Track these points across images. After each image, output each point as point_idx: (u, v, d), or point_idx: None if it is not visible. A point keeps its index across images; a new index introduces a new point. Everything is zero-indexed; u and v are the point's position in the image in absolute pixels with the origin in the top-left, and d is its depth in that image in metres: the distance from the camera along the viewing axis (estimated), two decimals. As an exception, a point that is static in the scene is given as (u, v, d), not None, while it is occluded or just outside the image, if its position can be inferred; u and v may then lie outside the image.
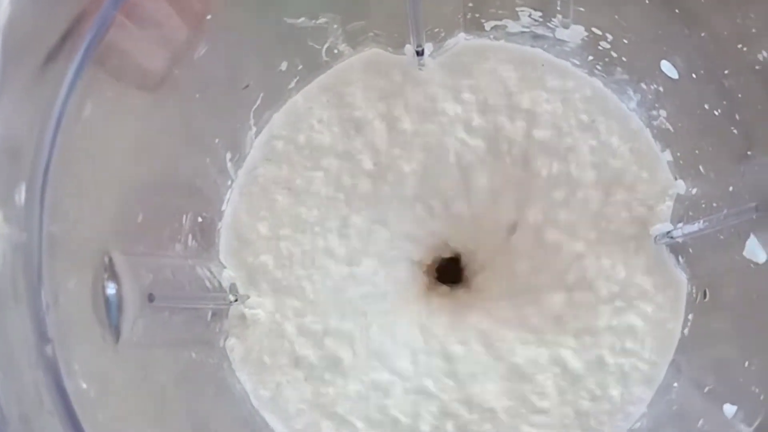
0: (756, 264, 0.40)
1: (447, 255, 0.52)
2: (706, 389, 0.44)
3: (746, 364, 0.41)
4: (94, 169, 0.39)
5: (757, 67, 0.38)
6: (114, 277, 0.38)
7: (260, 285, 0.48)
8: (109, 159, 0.40)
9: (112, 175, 0.40)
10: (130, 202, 0.41)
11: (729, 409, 0.41)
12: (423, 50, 0.47)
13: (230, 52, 0.43)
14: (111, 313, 0.38)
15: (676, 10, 0.41)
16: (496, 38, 0.48)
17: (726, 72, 0.40)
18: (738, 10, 0.38)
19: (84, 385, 0.34)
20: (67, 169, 0.34)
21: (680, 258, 0.46)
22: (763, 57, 0.37)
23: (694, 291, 0.47)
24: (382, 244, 0.50)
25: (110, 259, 0.38)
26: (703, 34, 0.41)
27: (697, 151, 0.45)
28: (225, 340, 0.47)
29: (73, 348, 0.35)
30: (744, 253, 0.40)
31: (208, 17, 0.40)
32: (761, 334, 0.40)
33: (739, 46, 0.38)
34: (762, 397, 0.39)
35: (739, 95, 0.40)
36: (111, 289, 0.38)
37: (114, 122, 0.39)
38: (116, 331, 0.38)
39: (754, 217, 0.39)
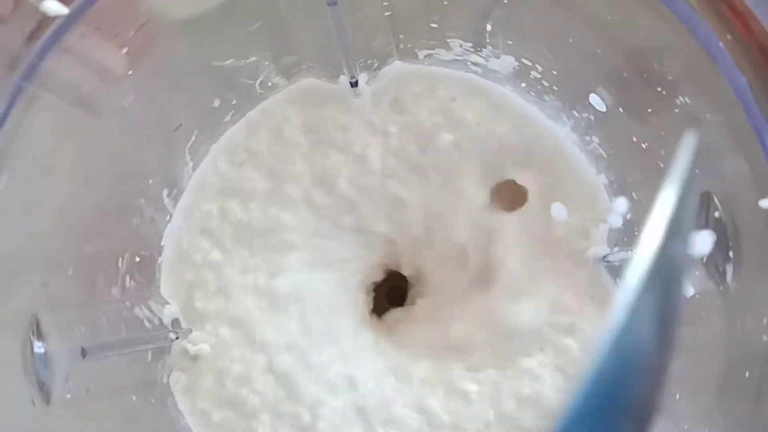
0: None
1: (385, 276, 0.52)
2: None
3: (676, 397, 0.42)
4: (20, 223, 0.38)
5: (676, 111, 0.38)
6: (42, 337, 0.38)
7: (202, 317, 0.48)
8: (36, 210, 0.40)
9: (38, 229, 0.40)
10: (60, 256, 0.41)
11: (657, 443, 0.41)
12: (357, 81, 0.47)
13: (158, 98, 0.43)
14: (40, 374, 0.38)
15: (599, 51, 0.41)
16: (431, 65, 0.48)
17: (649, 110, 0.40)
18: (655, 57, 0.38)
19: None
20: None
21: (618, 280, 0.47)
22: (680, 101, 0.37)
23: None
24: (324, 272, 0.50)
25: (37, 320, 0.38)
26: (625, 74, 0.41)
27: (629, 178, 0.45)
28: (168, 376, 0.47)
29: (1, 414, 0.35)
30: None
31: (129, 73, 0.39)
32: (689, 368, 0.41)
33: (659, 89, 0.38)
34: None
35: (662, 133, 0.40)
36: (39, 349, 0.38)
37: (38, 181, 0.39)
38: (47, 392, 0.38)
39: (681, 252, 0.39)
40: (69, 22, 0.35)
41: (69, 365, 0.39)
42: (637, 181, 0.45)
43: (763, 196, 0.34)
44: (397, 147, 0.48)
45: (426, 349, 0.50)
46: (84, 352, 0.39)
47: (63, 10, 0.34)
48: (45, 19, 0.35)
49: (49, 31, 0.35)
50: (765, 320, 0.35)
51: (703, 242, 0.36)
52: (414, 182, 0.48)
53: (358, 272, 0.51)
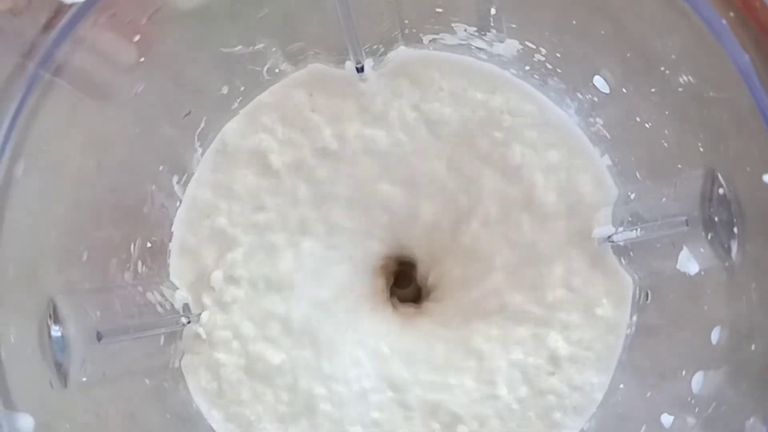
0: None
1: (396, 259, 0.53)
2: (648, 394, 0.45)
3: (683, 373, 0.42)
4: (36, 211, 0.39)
5: (680, 90, 0.38)
6: (59, 321, 0.39)
7: (213, 301, 0.48)
8: (51, 198, 0.40)
9: (53, 216, 0.41)
10: (74, 242, 0.42)
11: (666, 419, 0.42)
12: (363, 66, 0.47)
13: (167, 85, 0.44)
14: (58, 357, 0.39)
15: (602, 32, 0.41)
16: (435, 49, 0.48)
17: (653, 90, 0.41)
18: (658, 36, 0.38)
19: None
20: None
21: (623, 260, 0.47)
22: (684, 80, 0.38)
23: (637, 292, 0.47)
24: (336, 257, 0.51)
25: (54, 304, 0.39)
26: (628, 55, 0.41)
27: (632, 158, 0.46)
28: (180, 359, 0.48)
29: (20, 397, 0.35)
30: (677, 266, 0.41)
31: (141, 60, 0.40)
32: (697, 343, 0.41)
33: (662, 68, 0.39)
34: (697, 410, 0.40)
35: (666, 112, 0.41)
36: (56, 333, 0.39)
37: (53, 169, 0.39)
38: (65, 375, 0.39)
39: (685, 230, 0.39)
40: (83, 11, 0.36)
41: (85, 348, 0.39)
42: (641, 160, 0.46)
43: (767, 172, 0.34)
44: (405, 130, 0.48)
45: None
46: (99, 336, 0.40)
47: (78, -2, 0.35)
48: (60, 9, 0.35)
49: (64, 20, 0.35)
50: (770, 294, 0.36)
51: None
52: (422, 165, 0.48)
53: (370, 257, 0.51)
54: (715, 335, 0.39)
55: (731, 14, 0.33)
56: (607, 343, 0.48)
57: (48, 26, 0.35)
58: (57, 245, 0.40)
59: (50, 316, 0.38)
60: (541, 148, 0.48)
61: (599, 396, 0.48)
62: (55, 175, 0.40)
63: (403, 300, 0.54)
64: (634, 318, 0.48)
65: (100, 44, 0.38)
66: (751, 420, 0.36)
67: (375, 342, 0.50)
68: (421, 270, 0.53)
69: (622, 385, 0.47)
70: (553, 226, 0.49)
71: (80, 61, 0.37)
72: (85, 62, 0.38)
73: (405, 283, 0.55)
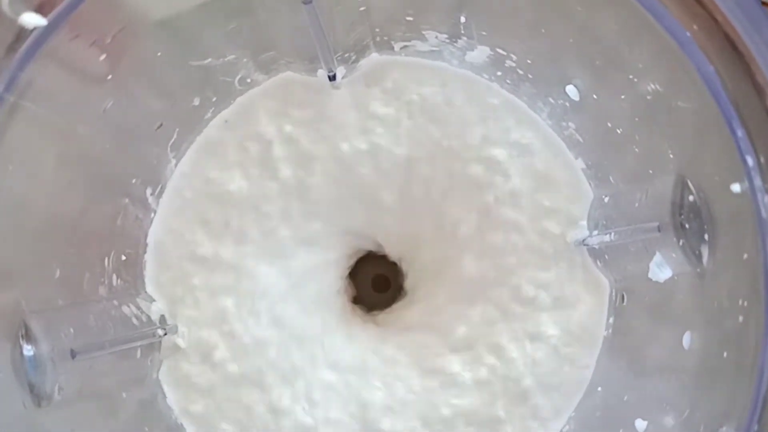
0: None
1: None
2: (625, 398, 0.45)
3: (658, 377, 0.42)
4: (6, 227, 0.39)
5: (648, 98, 0.38)
6: (31, 340, 0.39)
7: (189, 313, 0.48)
8: (21, 214, 0.40)
9: (24, 232, 0.41)
10: (46, 258, 0.41)
11: (640, 424, 0.42)
12: (335, 74, 0.47)
13: (138, 99, 0.44)
14: (31, 377, 0.38)
15: (571, 40, 0.41)
16: (407, 56, 0.48)
17: (622, 97, 0.41)
18: (626, 45, 0.38)
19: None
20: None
21: (598, 262, 0.47)
22: (652, 89, 0.38)
23: (614, 294, 0.47)
24: (309, 262, 0.51)
25: (26, 324, 0.39)
26: (597, 62, 0.41)
27: (605, 162, 0.46)
28: (157, 371, 0.48)
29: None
30: (649, 274, 0.41)
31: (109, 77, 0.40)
32: (670, 348, 0.41)
33: (631, 76, 0.39)
34: (671, 415, 0.40)
35: (636, 119, 0.41)
36: (28, 352, 0.39)
37: (23, 186, 0.39)
38: (38, 395, 0.39)
39: (657, 235, 0.39)
40: (48, 31, 0.36)
41: (59, 367, 0.39)
42: (613, 165, 0.46)
43: (735, 181, 0.34)
44: (377, 137, 0.48)
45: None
46: (73, 353, 0.40)
47: (41, 21, 0.35)
48: (23, 30, 0.35)
49: (28, 41, 0.35)
50: (741, 301, 0.36)
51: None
52: (393, 172, 0.49)
53: (339, 259, 0.52)
54: (686, 340, 0.40)
55: (695, 27, 0.33)
56: (584, 344, 0.48)
57: (11, 48, 0.35)
58: (28, 262, 0.40)
59: (22, 336, 0.38)
60: (516, 150, 0.48)
61: (576, 398, 0.48)
62: (25, 191, 0.40)
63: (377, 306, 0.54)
64: (611, 320, 0.48)
65: (67, 63, 0.38)
66: (724, 428, 0.36)
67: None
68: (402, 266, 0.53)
69: (599, 388, 0.47)
70: (529, 227, 0.48)
71: (47, 82, 0.37)
72: (52, 82, 0.38)
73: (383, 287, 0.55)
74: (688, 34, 0.34)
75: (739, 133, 0.34)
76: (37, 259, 0.41)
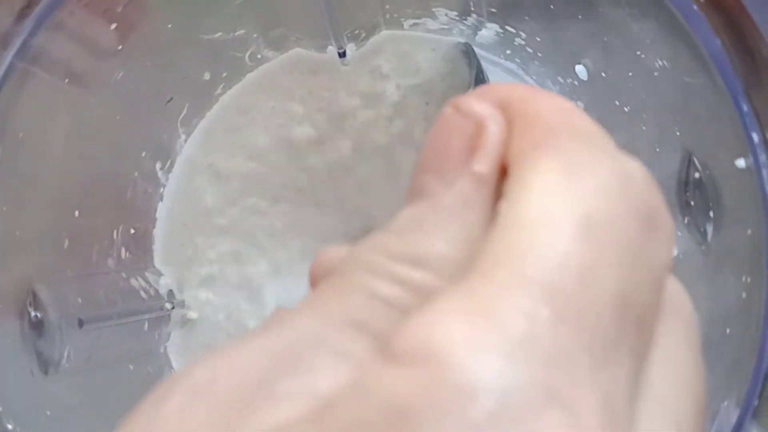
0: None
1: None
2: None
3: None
4: (16, 198, 0.39)
5: (656, 74, 0.38)
6: (39, 308, 0.39)
7: (197, 286, 0.49)
8: (31, 185, 0.40)
9: (34, 203, 0.41)
10: (55, 230, 0.42)
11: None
12: (345, 51, 0.47)
13: (148, 72, 0.44)
14: (38, 344, 0.39)
15: (579, 16, 0.41)
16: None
17: (630, 74, 0.41)
18: (634, 21, 0.38)
19: (9, 426, 0.35)
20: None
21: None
22: (659, 65, 0.38)
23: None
24: (310, 238, 0.51)
25: (34, 292, 0.39)
26: (605, 39, 0.41)
27: (613, 140, 0.46)
28: (165, 344, 0.48)
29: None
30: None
31: (119, 48, 0.40)
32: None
33: (638, 53, 0.39)
34: None
35: (644, 96, 0.41)
36: (36, 320, 0.39)
37: (33, 157, 0.40)
38: (45, 363, 0.39)
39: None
40: (58, -1, 0.35)
41: (66, 335, 0.39)
42: (621, 143, 0.46)
43: (740, 156, 0.34)
44: (385, 113, 0.48)
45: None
46: (81, 322, 0.40)
47: (52, -14, 0.35)
48: (34, -3, 0.35)
49: (39, 8, 0.35)
50: (744, 277, 0.36)
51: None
52: (399, 148, 0.49)
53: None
54: (691, 318, 0.39)
55: (702, 0, 0.33)
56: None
57: (22, 15, 0.35)
58: (38, 232, 0.41)
59: (30, 303, 0.38)
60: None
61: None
62: (36, 163, 0.40)
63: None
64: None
65: (78, 31, 0.38)
66: (725, 403, 0.36)
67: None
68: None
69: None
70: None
71: (58, 49, 0.38)
72: (63, 50, 0.38)
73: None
74: (695, 7, 0.34)
75: (745, 108, 0.34)
76: (46, 229, 0.41)
